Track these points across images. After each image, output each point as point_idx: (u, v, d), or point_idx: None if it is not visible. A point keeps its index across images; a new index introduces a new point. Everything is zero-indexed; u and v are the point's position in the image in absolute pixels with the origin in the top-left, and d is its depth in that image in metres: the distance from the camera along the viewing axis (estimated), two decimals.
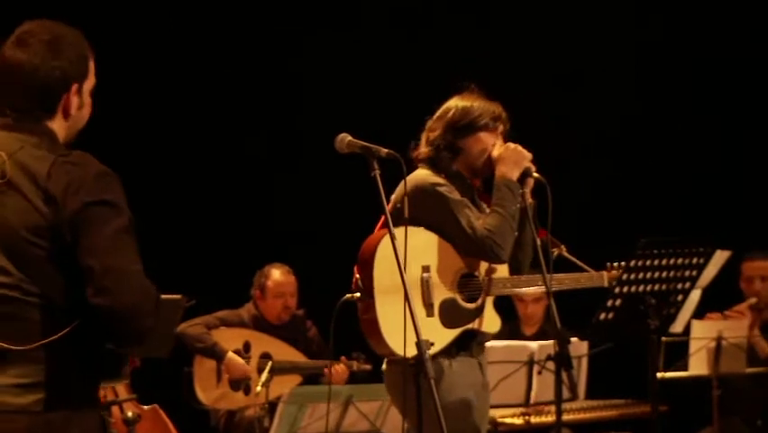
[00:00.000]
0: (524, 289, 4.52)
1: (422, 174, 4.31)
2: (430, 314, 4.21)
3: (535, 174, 4.37)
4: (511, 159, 4.34)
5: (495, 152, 4.37)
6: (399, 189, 4.23)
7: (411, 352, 3.66)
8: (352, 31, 7.99)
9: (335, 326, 4.53)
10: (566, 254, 4.55)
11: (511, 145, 4.37)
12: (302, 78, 7.99)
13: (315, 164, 7.40)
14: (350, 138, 3.92)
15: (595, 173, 7.90)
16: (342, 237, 4.49)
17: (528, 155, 4.37)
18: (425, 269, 4.23)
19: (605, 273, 4.67)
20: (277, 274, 6.91)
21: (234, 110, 7.94)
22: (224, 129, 7.92)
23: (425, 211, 4.18)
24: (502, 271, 4.42)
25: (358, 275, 4.29)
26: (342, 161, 4.16)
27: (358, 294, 4.27)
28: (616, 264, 4.69)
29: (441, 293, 4.27)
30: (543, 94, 7.73)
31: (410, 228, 3.93)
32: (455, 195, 4.29)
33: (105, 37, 7.22)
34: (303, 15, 8.00)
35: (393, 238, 3.72)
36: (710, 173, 7.95)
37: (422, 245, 4.16)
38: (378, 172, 3.81)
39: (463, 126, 4.35)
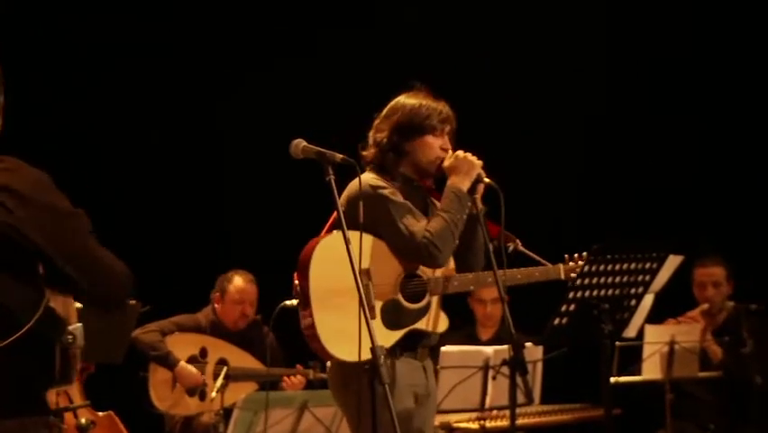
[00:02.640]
0: (471, 287, 4.48)
1: (365, 178, 4.26)
2: (372, 316, 4.17)
3: (486, 180, 4.36)
4: (462, 169, 4.33)
5: (446, 162, 4.36)
6: (345, 193, 4.25)
7: (361, 356, 3.67)
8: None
9: (293, 333, 4.53)
10: (522, 248, 4.51)
11: (461, 154, 4.36)
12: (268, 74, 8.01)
13: (271, 167, 7.41)
14: (304, 144, 3.94)
15: (549, 179, 7.94)
16: (297, 242, 4.48)
17: (479, 163, 4.36)
18: (365, 272, 4.20)
19: (561, 266, 4.58)
20: (239, 281, 6.93)
21: (187, 110, 7.93)
22: (176, 132, 7.90)
23: (366, 214, 4.17)
24: (448, 271, 4.40)
25: (297, 282, 4.28)
26: (298, 166, 4.16)
27: (295, 301, 4.27)
28: (576, 256, 4.61)
29: (382, 296, 4.27)
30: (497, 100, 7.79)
31: (350, 233, 3.93)
32: (397, 198, 4.29)
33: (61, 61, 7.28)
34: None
35: (348, 242, 3.72)
36: (662, 178, 8.00)
37: (361, 249, 4.12)
38: (332, 178, 3.83)
39: (410, 129, 4.35)
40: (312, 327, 4.20)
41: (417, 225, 4.28)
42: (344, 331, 3.95)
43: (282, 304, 4.37)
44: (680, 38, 7.95)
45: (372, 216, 4.20)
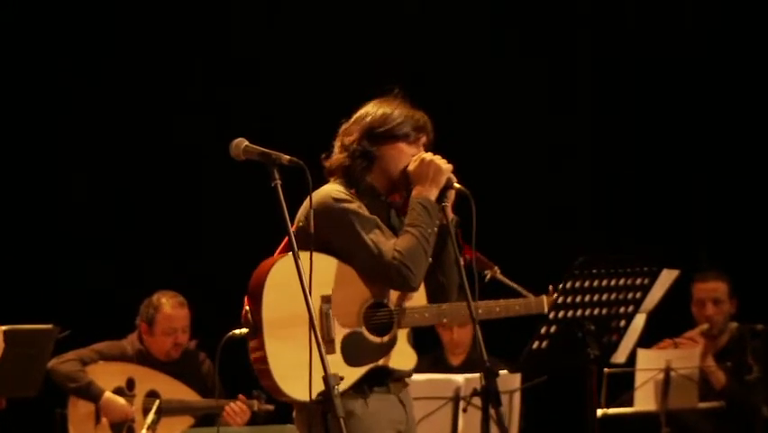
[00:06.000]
0: (444, 319, 4.43)
1: (327, 189, 4.26)
2: (330, 351, 4.15)
3: (457, 185, 4.31)
4: (428, 174, 4.29)
5: (410, 167, 4.32)
6: (303, 206, 4.20)
7: (314, 394, 3.65)
8: None
9: (232, 360, 4.49)
10: (500, 276, 4.51)
11: (427, 158, 4.29)
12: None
13: (215, 173, 7.41)
14: (247, 143, 3.91)
15: (534, 189, 7.97)
16: (240, 258, 4.45)
17: (448, 167, 4.30)
18: (325, 299, 4.17)
19: (545, 298, 4.60)
20: (167, 307, 6.80)
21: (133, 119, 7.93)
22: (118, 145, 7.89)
23: (329, 231, 4.15)
24: (418, 299, 4.34)
25: (247, 308, 4.23)
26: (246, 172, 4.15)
27: (245, 330, 4.23)
28: (561, 287, 4.61)
29: (343, 327, 4.22)
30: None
31: (308, 253, 3.90)
32: (364, 212, 4.25)
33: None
34: None
35: (298, 262, 3.69)
36: (656, 186, 8.05)
37: (322, 273, 4.07)
38: (279, 183, 3.80)
39: (382, 133, 4.31)
40: (263, 360, 4.15)
41: (387, 243, 4.22)
42: (300, 365, 3.87)
43: (230, 334, 4.33)
44: (668, 44, 8.03)
45: (336, 234, 4.18)
